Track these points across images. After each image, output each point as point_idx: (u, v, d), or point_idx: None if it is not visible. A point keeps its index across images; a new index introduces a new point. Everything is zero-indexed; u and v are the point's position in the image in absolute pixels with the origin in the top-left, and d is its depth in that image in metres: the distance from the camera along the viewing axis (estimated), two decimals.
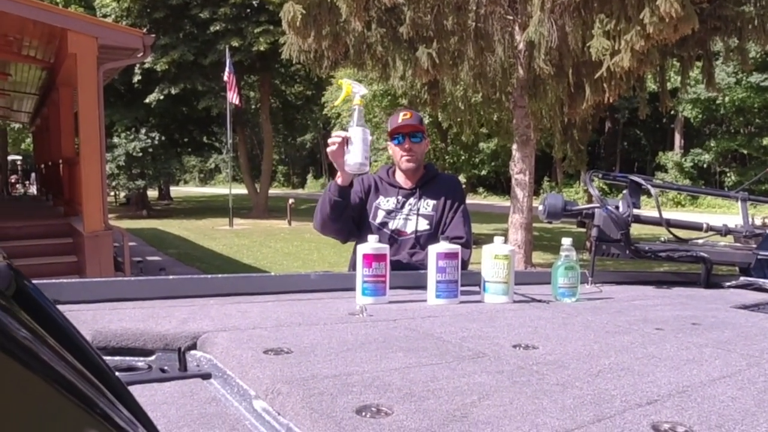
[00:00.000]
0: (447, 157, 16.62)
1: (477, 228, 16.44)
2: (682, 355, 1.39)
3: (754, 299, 2.36)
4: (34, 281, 0.48)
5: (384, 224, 2.60)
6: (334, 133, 2.33)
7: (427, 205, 2.62)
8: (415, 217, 2.61)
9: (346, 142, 2.24)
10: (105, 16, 21.96)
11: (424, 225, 2.60)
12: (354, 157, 2.18)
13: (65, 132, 11.09)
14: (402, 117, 2.64)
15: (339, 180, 2.45)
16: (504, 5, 9.59)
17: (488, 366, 1.24)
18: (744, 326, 1.79)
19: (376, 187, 2.68)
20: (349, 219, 2.57)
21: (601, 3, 8.19)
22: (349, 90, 2.28)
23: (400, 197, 2.63)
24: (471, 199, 25.44)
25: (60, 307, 1.66)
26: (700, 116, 30.43)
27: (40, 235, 8.97)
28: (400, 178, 2.69)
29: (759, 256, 2.66)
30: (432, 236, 2.58)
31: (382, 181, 2.70)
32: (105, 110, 10.02)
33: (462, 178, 17.08)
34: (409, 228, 2.61)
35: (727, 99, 27.38)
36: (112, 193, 28.77)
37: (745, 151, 29.84)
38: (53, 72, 10.76)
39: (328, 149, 2.31)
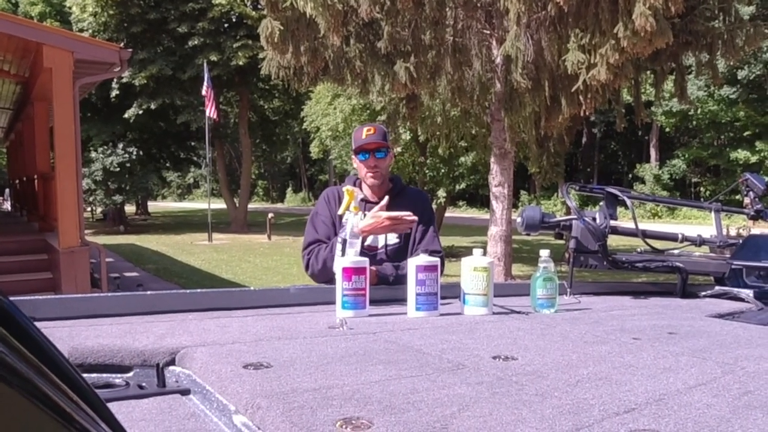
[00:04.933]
0: (426, 170, 16.67)
1: (456, 241, 16.53)
2: (659, 363, 1.41)
3: (729, 308, 2.39)
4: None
5: (352, 239, 2.60)
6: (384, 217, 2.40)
7: None
8: None
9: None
10: (81, 30, 21.83)
11: (393, 239, 2.61)
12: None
13: (40, 147, 10.95)
14: (366, 133, 2.62)
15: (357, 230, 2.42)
16: (481, 20, 9.69)
17: (468, 377, 1.25)
18: (719, 335, 1.82)
19: (341, 201, 2.67)
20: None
21: (576, 17, 8.32)
22: (352, 196, 2.34)
23: (367, 212, 2.63)
24: (450, 212, 25.56)
25: (36, 324, 1.63)
26: (673, 128, 30.99)
27: (14, 252, 8.82)
28: (366, 191, 2.69)
29: (733, 266, 2.71)
30: (401, 250, 2.59)
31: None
32: (82, 125, 9.95)
33: (441, 192, 17.14)
34: (379, 242, 2.61)
35: (699, 111, 27.91)
36: (89, 209, 28.42)
37: (715, 162, 30.42)
38: (28, 86, 10.64)
39: (377, 227, 2.41)
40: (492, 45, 9.70)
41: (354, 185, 2.70)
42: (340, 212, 2.40)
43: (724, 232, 2.94)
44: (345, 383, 1.17)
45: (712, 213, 2.91)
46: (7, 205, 26.18)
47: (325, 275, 2.49)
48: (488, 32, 9.71)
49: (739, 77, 27.01)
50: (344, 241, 2.25)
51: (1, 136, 20.28)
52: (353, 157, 2.71)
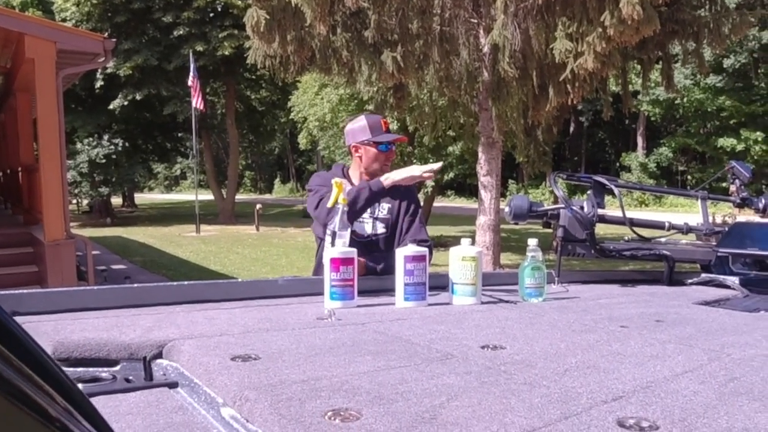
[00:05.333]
0: (414, 160, 16.66)
1: (445, 230, 16.56)
2: (646, 351, 1.42)
3: (715, 295, 2.41)
4: None
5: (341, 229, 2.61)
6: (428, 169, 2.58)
7: (383, 209, 2.65)
8: (371, 220, 2.63)
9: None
10: (64, 20, 21.56)
11: (381, 228, 2.63)
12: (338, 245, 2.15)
13: (24, 138, 10.82)
14: (384, 125, 2.70)
15: (377, 186, 2.51)
16: (468, 9, 9.66)
17: (456, 367, 1.25)
18: (705, 322, 1.83)
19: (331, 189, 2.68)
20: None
21: (564, 6, 8.32)
22: (341, 188, 2.32)
23: None
24: (439, 202, 25.58)
25: (20, 318, 1.62)
26: (659, 117, 31.15)
27: None
28: (355, 180, 2.69)
29: (719, 253, 2.73)
30: (389, 239, 2.61)
31: None
32: (66, 116, 9.85)
33: (429, 182, 17.13)
34: (367, 231, 2.62)
35: (685, 100, 28.07)
36: (75, 201, 28.17)
37: (701, 150, 30.65)
38: (10, 77, 10.50)
39: (420, 172, 2.55)
40: (479, 34, 9.68)
41: (342, 174, 2.70)
42: (329, 204, 2.40)
43: (711, 219, 2.96)
44: (333, 374, 1.17)
45: (699, 201, 2.93)
46: None
47: (328, 217, 2.48)
48: (475, 21, 9.69)
49: (725, 66, 27.17)
50: (333, 233, 2.25)
51: None
52: (365, 145, 2.68)
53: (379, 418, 0.93)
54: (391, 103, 11.78)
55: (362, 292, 2.05)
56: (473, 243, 2.11)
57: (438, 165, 2.68)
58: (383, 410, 0.97)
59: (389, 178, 2.55)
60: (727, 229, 2.88)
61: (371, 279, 2.31)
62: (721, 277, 2.67)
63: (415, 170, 2.57)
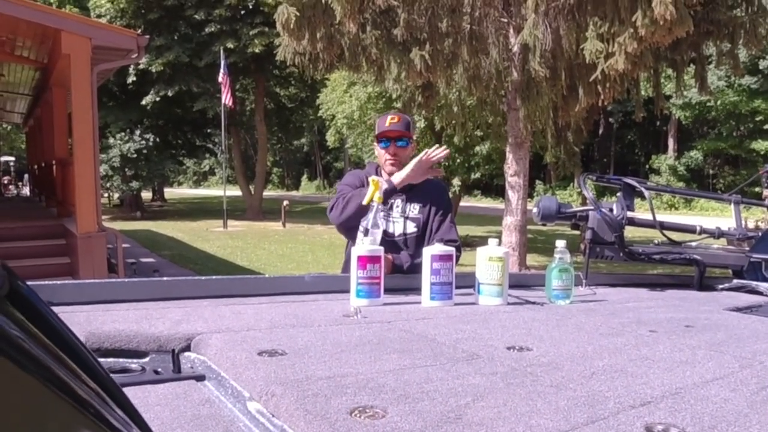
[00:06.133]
0: (442, 161, 16.61)
1: (471, 230, 16.48)
2: (675, 356, 1.40)
3: (747, 301, 2.37)
4: (28, 283, 0.48)
5: (373, 227, 2.61)
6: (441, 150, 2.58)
7: (414, 208, 2.64)
8: (402, 219, 2.62)
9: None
10: (99, 16, 21.90)
11: (411, 228, 2.63)
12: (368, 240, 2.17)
13: (59, 133, 11.04)
14: (389, 120, 2.65)
15: (389, 185, 2.52)
16: (498, 8, 9.60)
17: (482, 367, 1.24)
18: (736, 328, 1.80)
19: (365, 185, 2.68)
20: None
21: (595, 5, 8.22)
22: (377, 186, 2.35)
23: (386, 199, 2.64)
24: (465, 202, 25.49)
25: (54, 308, 1.65)
26: (691, 118, 30.60)
27: (32, 237, 8.93)
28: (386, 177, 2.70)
29: (752, 259, 2.68)
30: (419, 239, 2.60)
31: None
32: (99, 111, 10.00)
33: (456, 181, 17.08)
34: (398, 231, 2.62)
35: (719, 102, 27.54)
36: (106, 195, 28.65)
37: (735, 153, 30.03)
38: (47, 72, 10.72)
39: (425, 158, 2.53)
40: (509, 33, 9.62)
41: (376, 172, 2.71)
42: (364, 202, 2.41)
43: (743, 224, 2.91)
44: (359, 372, 1.18)
45: (732, 205, 2.88)
46: (26, 191, 26.49)
47: (347, 219, 2.52)
48: (506, 20, 9.63)
49: (760, 67, 26.59)
50: (366, 230, 2.26)
51: (20, 121, 20.50)
52: (375, 143, 2.72)
53: (404, 417, 0.93)
54: (419, 102, 11.76)
55: (389, 290, 2.05)
56: (500, 243, 2.10)
57: (443, 150, 2.63)
58: (408, 409, 0.97)
59: (399, 177, 2.56)
60: (760, 234, 2.82)
61: (397, 277, 2.31)
62: (754, 283, 2.62)
63: (419, 162, 2.56)
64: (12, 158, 38.19)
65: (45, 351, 0.38)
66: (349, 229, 2.59)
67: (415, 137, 2.87)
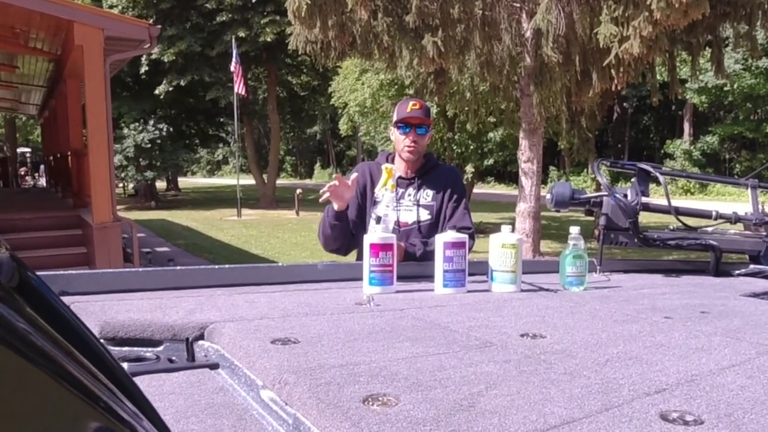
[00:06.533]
0: (455, 146, 16.54)
1: (485, 217, 16.46)
2: (691, 343, 1.39)
3: (764, 287, 2.34)
4: (43, 273, 0.48)
5: (385, 215, 2.60)
6: (327, 185, 2.47)
7: (427, 195, 2.62)
8: (415, 207, 2.61)
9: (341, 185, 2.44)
10: (111, 7, 21.96)
11: (425, 215, 2.61)
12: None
13: (73, 124, 11.11)
14: (411, 107, 2.61)
15: (335, 206, 2.52)
16: None
17: (495, 355, 1.24)
18: (753, 314, 1.78)
19: (374, 177, 2.67)
20: (348, 235, 2.60)
21: None
22: (390, 174, 2.39)
23: (399, 187, 2.63)
24: (479, 189, 25.41)
25: (68, 298, 1.66)
26: (707, 103, 30.21)
27: (49, 227, 9.02)
28: (399, 166, 2.67)
29: None
30: (433, 226, 2.59)
31: (380, 168, 2.69)
32: (113, 102, 10.05)
33: (470, 168, 17.02)
34: (411, 219, 2.60)
35: (735, 86, 27.15)
36: (121, 185, 28.86)
37: (753, 136, 29.63)
38: (60, 64, 10.77)
39: (325, 196, 2.47)
40: (522, 18, 9.53)
41: (387, 161, 2.70)
42: (377, 189, 2.40)
43: (760, 209, 2.87)
44: (372, 360, 1.18)
45: (749, 189, 2.84)
46: (42, 181, 26.73)
47: (325, 244, 2.66)
48: (518, 5, 9.54)
49: None
50: (378, 218, 2.25)
51: (35, 113, 20.65)
52: (391, 128, 2.69)
53: (417, 405, 0.93)
54: (432, 89, 11.71)
55: (401, 278, 2.05)
56: (513, 230, 2.09)
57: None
58: (421, 397, 0.97)
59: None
60: None
61: (410, 265, 2.31)
62: None
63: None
64: (28, 149, 38.54)
65: (54, 344, 0.38)
66: (338, 249, 2.63)
67: (432, 127, 2.85)
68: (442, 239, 2.01)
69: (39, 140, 32.58)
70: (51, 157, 17.13)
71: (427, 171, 2.66)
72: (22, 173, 32.52)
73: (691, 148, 32.13)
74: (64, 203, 11.79)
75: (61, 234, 8.89)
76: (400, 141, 2.62)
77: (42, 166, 27.92)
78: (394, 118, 2.67)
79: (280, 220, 20.66)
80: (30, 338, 0.36)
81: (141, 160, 24.48)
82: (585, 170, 32.41)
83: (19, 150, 35.71)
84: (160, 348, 1.39)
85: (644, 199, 2.57)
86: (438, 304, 1.82)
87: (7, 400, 0.32)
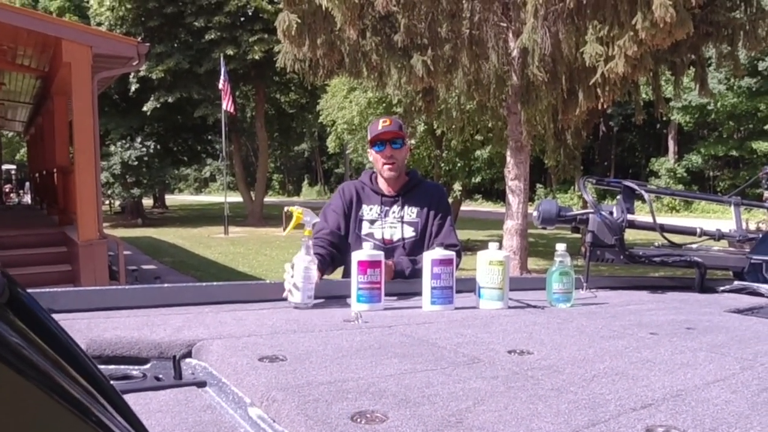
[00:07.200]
0: (442, 164, 16.62)
1: (472, 234, 16.49)
2: (677, 359, 1.40)
3: (748, 303, 2.37)
4: (28, 290, 0.48)
5: (370, 234, 2.61)
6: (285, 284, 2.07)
7: (411, 212, 2.62)
8: (399, 224, 2.61)
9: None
10: (99, 24, 21.97)
11: (409, 232, 2.61)
12: (295, 298, 2.01)
13: (60, 141, 11.07)
14: (382, 124, 2.63)
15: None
16: (497, 12, 9.62)
17: (483, 371, 1.24)
18: (738, 330, 1.80)
19: (358, 196, 2.67)
20: (337, 260, 2.51)
21: (594, 9, 8.23)
22: (299, 218, 2.19)
23: (383, 205, 2.63)
24: (466, 206, 25.48)
25: (55, 316, 1.65)
26: (691, 122, 30.60)
27: (34, 244, 8.94)
28: (382, 185, 2.68)
29: (752, 260, 2.68)
30: (418, 243, 2.58)
31: (364, 187, 2.68)
32: (100, 119, 10.02)
33: (457, 185, 17.08)
34: (396, 236, 2.60)
35: (719, 105, 27.55)
36: (107, 202, 28.67)
37: (737, 153, 30.00)
38: (48, 81, 10.75)
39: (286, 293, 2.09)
40: (509, 38, 9.63)
41: (370, 179, 2.71)
42: (284, 233, 2.30)
43: (744, 226, 2.90)
44: (360, 376, 1.18)
45: (732, 207, 2.88)
46: (28, 199, 26.51)
47: None
48: (505, 25, 9.64)
49: (759, 68, 26.60)
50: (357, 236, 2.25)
51: (21, 130, 20.54)
52: (369, 150, 2.71)
53: (405, 421, 0.93)
54: (420, 107, 11.78)
55: (389, 295, 2.05)
56: (500, 247, 2.10)
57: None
58: (409, 413, 0.97)
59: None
60: (761, 235, 2.82)
61: (398, 282, 2.31)
62: (755, 285, 2.62)
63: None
64: (13, 166, 38.25)
65: (45, 358, 0.39)
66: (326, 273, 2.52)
67: (408, 140, 2.85)
68: (429, 256, 2.02)
69: (24, 157, 32.36)
70: (37, 174, 17.02)
71: (410, 188, 2.67)
72: (7, 190, 32.24)
73: (676, 165, 32.48)
74: (49, 220, 11.70)
75: (46, 251, 8.81)
76: (378, 160, 2.63)
77: (27, 183, 27.71)
78: (369, 139, 2.68)
79: (267, 237, 20.59)
80: (22, 352, 0.36)
81: (128, 177, 24.35)
82: (571, 188, 32.61)
83: (4, 167, 35.41)
84: (147, 366, 1.38)
85: (630, 217, 2.59)
86: (426, 320, 1.82)
87: (0, 414, 0.32)
